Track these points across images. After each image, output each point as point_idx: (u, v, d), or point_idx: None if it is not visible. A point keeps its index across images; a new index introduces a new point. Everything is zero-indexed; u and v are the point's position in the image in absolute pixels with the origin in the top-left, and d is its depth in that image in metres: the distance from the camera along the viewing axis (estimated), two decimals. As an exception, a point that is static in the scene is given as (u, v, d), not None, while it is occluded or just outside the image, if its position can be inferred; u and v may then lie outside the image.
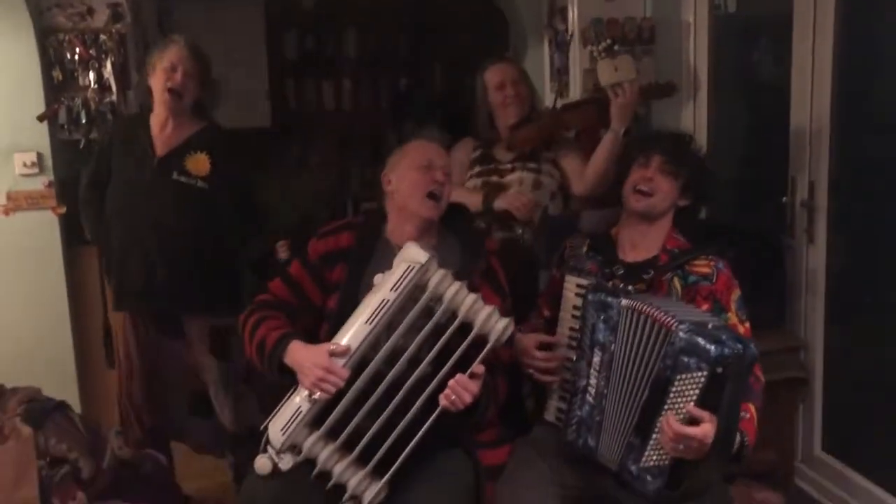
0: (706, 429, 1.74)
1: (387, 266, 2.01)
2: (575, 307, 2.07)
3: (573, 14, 3.44)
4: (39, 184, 3.15)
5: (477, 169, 2.82)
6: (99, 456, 2.03)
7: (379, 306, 1.92)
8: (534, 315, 2.24)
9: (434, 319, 1.93)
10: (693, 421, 1.75)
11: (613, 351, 1.91)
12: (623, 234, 2.16)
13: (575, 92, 3.48)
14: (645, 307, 1.86)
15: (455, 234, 2.16)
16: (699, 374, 1.75)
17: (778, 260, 2.85)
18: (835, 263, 2.73)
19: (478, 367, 1.91)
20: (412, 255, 1.97)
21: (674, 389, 1.78)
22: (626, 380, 1.88)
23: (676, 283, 2.05)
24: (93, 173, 2.79)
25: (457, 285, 1.95)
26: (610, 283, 2.05)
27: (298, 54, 5.63)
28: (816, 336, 2.79)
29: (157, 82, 2.66)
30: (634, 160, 2.16)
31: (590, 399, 1.96)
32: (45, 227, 3.16)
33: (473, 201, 2.67)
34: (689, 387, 1.76)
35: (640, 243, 2.13)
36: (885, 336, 2.64)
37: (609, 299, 1.94)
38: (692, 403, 1.76)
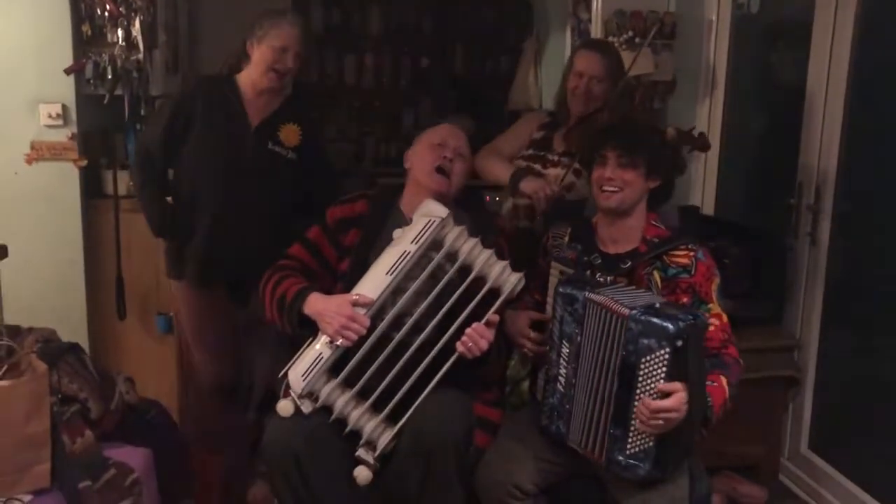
0: (680, 397, 1.81)
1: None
2: (553, 295, 2.11)
3: (597, 3, 3.47)
4: (63, 136, 3.20)
5: (530, 151, 2.79)
6: (107, 398, 2.09)
7: (400, 258, 2.03)
8: (526, 298, 2.28)
9: (450, 273, 2.04)
10: (665, 396, 1.82)
11: (580, 343, 1.97)
12: (602, 228, 2.17)
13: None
14: (602, 299, 1.91)
15: (467, 213, 2.24)
16: (662, 352, 1.82)
17: (779, 260, 2.90)
18: (835, 267, 2.78)
19: (493, 316, 2.02)
20: (432, 209, 2.09)
21: (641, 373, 1.84)
22: (592, 369, 1.94)
23: (656, 276, 2.08)
24: (154, 141, 2.67)
25: (472, 241, 2.06)
26: (587, 273, 2.10)
27: (323, 27, 5.65)
28: (811, 337, 2.84)
29: (263, 58, 2.58)
30: (592, 161, 2.16)
31: (560, 388, 2.02)
32: (65, 177, 3.21)
33: (503, 174, 2.72)
34: (656, 366, 1.83)
35: (619, 237, 2.15)
36: (878, 341, 2.69)
37: (574, 292, 1.98)
38: (661, 382, 1.82)
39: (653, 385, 1.84)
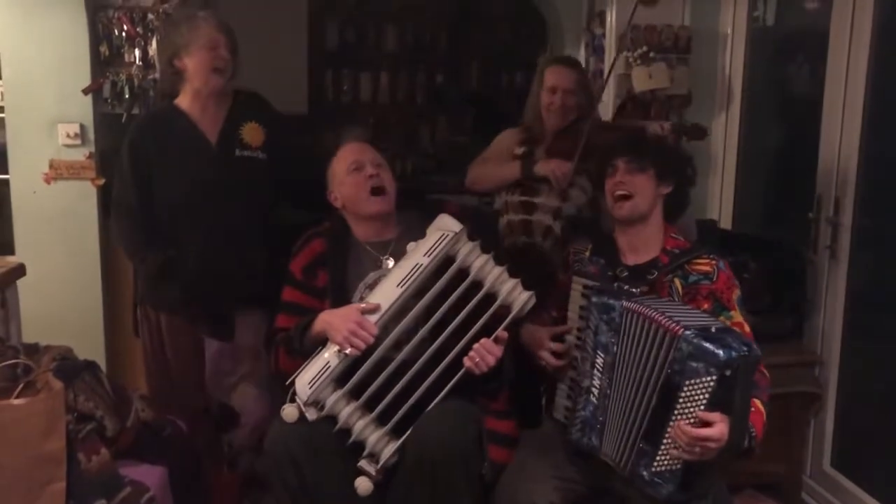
0: (721, 429, 1.76)
1: (363, 266, 2.17)
2: (582, 308, 2.10)
3: (611, 18, 3.47)
4: (81, 155, 3.23)
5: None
6: (123, 416, 2.09)
7: (412, 271, 2.02)
8: (543, 315, 2.25)
9: (461, 288, 2.03)
10: (705, 423, 1.78)
11: (616, 353, 1.94)
12: (621, 240, 2.18)
13: (609, 97, 3.50)
14: (647, 310, 1.88)
15: (411, 215, 2.24)
16: (708, 378, 1.77)
17: (800, 274, 2.87)
18: (856, 282, 2.74)
19: (502, 332, 2.01)
20: (446, 224, 2.09)
21: (683, 395, 1.80)
22: (629, 381, 1.91)
23: (677, 283, 2.07)
24: (137, 186, 2.54)
25: (484, 257, 2.06)
26: (615, 286, 2.08)
27: (339, 45, 5.70)
28: (833, 352, 2.80)
29: (199, 64, 2.49)
30: (605, 175, 2.18)
31: (593, 399, 1.99)
32: (83, 196, 3.24)
33: (511, 170, 2.75)
34: (699, 391, 1.78)
35: (639, 246, 2.14)
36: (901, 356, 2.65)
37: (611, 301, 1.96)
38: (702, 407, 1.78)
39: (692, 409, 1.79)
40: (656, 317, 1.86)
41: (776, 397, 2.55)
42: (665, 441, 1.83)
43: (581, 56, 3.91)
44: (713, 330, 1.82)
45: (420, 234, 2.13)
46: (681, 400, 1.80)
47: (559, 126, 2.75)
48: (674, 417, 1.81)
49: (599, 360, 1.98)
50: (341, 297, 2.15)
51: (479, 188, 2.93)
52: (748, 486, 2.79)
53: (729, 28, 3.37)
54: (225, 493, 2.58)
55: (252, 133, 2.57)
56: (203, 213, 2.53)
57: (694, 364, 1.78)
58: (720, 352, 1.75)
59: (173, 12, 3.16)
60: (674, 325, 1.82)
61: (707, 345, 1.76)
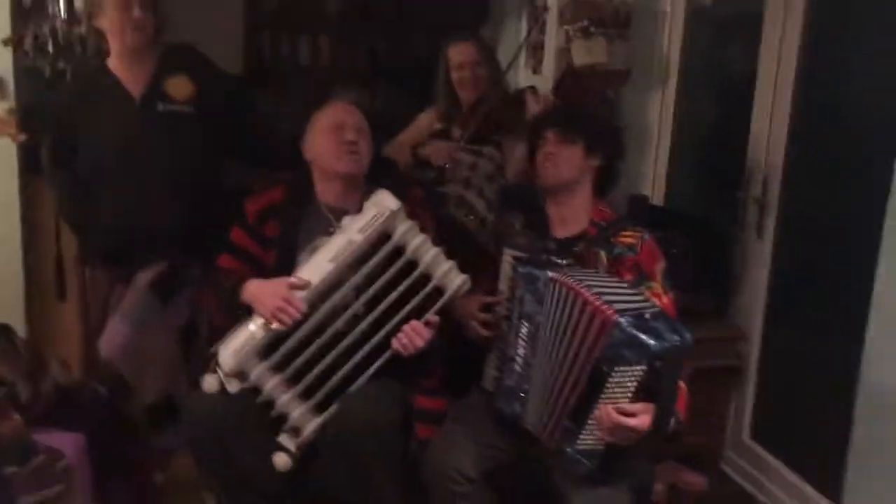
0: (643, 420, 1.80)
1: (317, 227, 2.11)
2: (510, 279, 2.10)
3: (553, -9, 3.45)
4: (0, 110, 3.09)
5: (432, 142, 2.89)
6: (38, 381, 2.03)
7: (344, 247, 1.99)
8: (475, 289, 2.25)
9: (395, 267, 2.01)
10: (630, 413, 1.80)
11: (539, 322, 1.95)
12: (551, 212, 2.20)
13: (549, 69, 3.50)
14: (575, 285, 1.89)
15: (382, 186, 2.19)
16: (638, 367, 1.79)
17: (726, 252, 2.93)
18: (780, 260, 2.81)
19: (433, 317, 2.00)
20: (383, 201, 2.03)
21: (612, 380, 1.81)
22: (553, 352, 1.92)
23: (602, 255, 2.10)
24: (54, 148, 2.59)
25: (421, 237, 2.03)
26: (544, 258, 2.09)
27: (277, 6, 5.55)
28: (755, 328, 2.88)
29: (114, 22, 2.47)
30: (536, 147, 2.21)
31: (517, 368, 2.01)
32: (3, 153, 3.09)
33: (405, 156, 2.85)
34: (627, 379, 1.81)
35: (568, 217, 2.17)
36: (819, 333, 2.73)
37: (536, 272, 1.97)
38: (629, 394, 1.81)
39: (619, 395, 1.82)
40: (586, 295, 1.85)
41: (700, 371, 2.62)
42: (590, 422, 1.86)
43: (523, 28, 3.90)
44: (647, 316, 1.82)
45: None
46: (608, 385, 1.82)
47: (473, 99, 2.84)
48: (601, 400, 1.83)
49: (524, 330, 1.99)
50: (287, 254, 2.12)
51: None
52: (669, 458, 2.85)
53: (668, 6, 3.38)
54: (145, 460, 2.52)
55: (177, 86, 2.51)
56: (124, 170, 2.49)
57: (625, 352, 1.78)
58: (652, 342, 1.75)
59: None
60: (607, 308, 1.81)
61: (640, 335, 1.76)
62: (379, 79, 5.71)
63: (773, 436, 2.87)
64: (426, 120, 2.99)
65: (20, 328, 3.04)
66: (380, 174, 2.27)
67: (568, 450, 1.90)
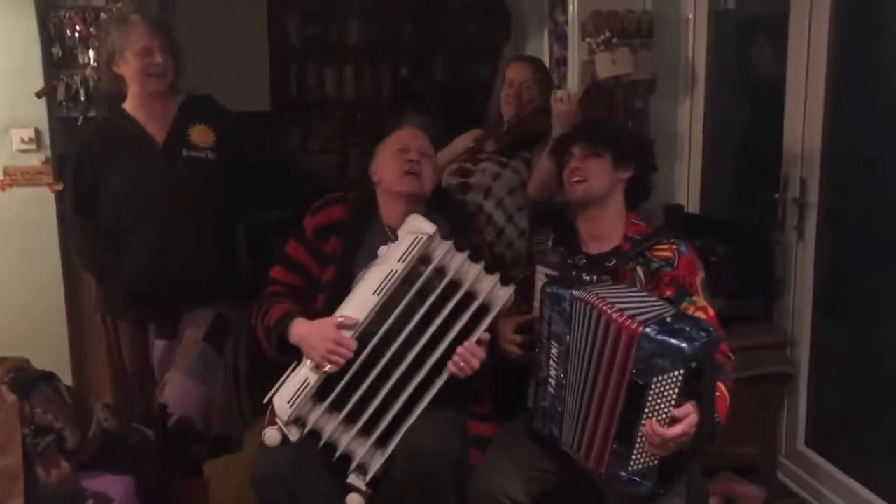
0: (691, 420, 1.75)
1: (380, 243, 2.08)
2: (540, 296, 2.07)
3: (573, 6, 3.45)
4: (36, 160, 3.15)
5: (464, 155, 2.89)
6: (84, 427, 2.04)
7: (386, 277, 1.97)
8: (514, 308, 2.20)
9: (439, 289, 1.98)
10: (675, 419, 1.76)
11: (569, 343, 1.92)
12: (582, 228, 2.17)
13: (573, 84, 3.49)
14: (597, 301, 1.85)
15: (443, 214, 2.20)
16: (676, 373, 1.74)
17: (767, 256, 2.87)
18: (824, 260, 2.75)
19: (484, 334, 1.98)
20: (418, 225, 2.03)
21: (651, 392, 1.77)
22: (584, 371, 1.89)
23: (640, 271, 2.05)
24: (76, 195, 2.56)
25: (461, 256, 2.01)
26: (573, 274, 2.06)
27: (301, 40, 5.63)
28: (803, 332, 2.81)
29: (134, 69, 2.44)
30: (563, 161, 2.19)
31: (551, 390, 1.98)
32: (41, 202, 3.16)
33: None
34: (668, 387, 1.76)
35: (600, 234, 2.13)
36: (871, 333, 2.66)
37: (561, 291, 1.94)
38: (673, 402, 1.76)
39: (663, 406, 1.77)
40: (608, 312, 1.82)
41: (749, 379, 2.58)
42: (639, 441, 1.81)
43: (544, 44, 3.89)
44: (669, 320, 1.79)
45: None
46: (650, 398, 1.77)
47: (513, 117, 2.84)
48: (645, 416, 1.79)
49: (554, 351, 1.96)
50: (346, 271, 2.12)
51: None
52: (724, 469, 2.79)
53: (691, 13, 3.36)
54: (193, 500, 2.53)
55: (200, 134, 2.53)
56: (149, 214, 2.49)
57: (659, 361, 1.74)
58: (685, 345, 1.71)
59: (110, 15, 3.07)
60: (629, 321, 1.78)
61: (671, 340, 1.73)
62: (405, 105, 5.76)
63: (829, 442, 2.79)
64: (462, 140, 2.99)
65: (65, 373, 3.09)
66: (444, 203, 2.29)
67: (622, 473, 1.84)
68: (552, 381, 1.97)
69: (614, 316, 1.81)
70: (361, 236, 2.18)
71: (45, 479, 1.89)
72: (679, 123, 3.43)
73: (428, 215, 2.10)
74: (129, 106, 2.54)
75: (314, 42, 5.66)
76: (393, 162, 2.20)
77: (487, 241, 2.29)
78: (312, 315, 2.06)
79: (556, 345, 1.96)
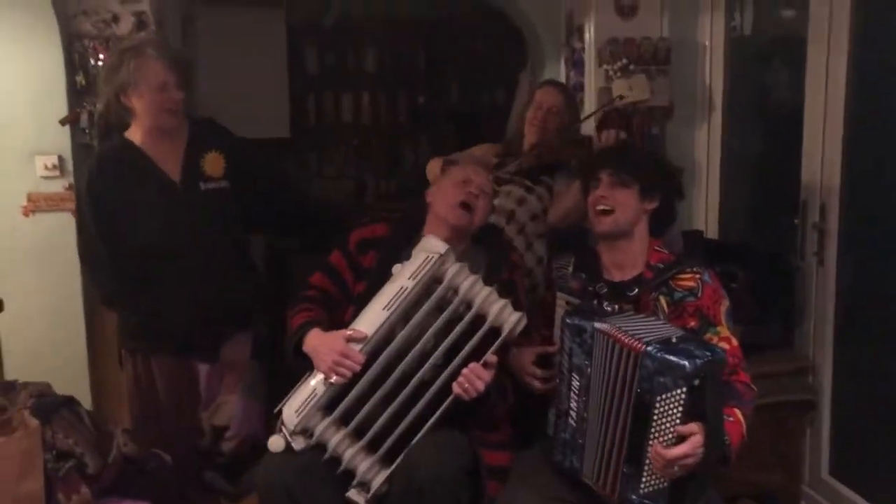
0: (696, 441, 1.74)
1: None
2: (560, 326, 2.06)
3: (590, 33, 3.47)
4: (59, 186, 3.20)
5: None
6: (105, 452, 2.05)
7: (397, 294, 2.00)
8: (533, 334, 2.22)
9: (449, 310, 2.00)
10: (682, 438, 1.76)
11: (590, 375, 1.91)
12: (604, 255, 2.15)
13: (590, 110, 3.50)
14: (615, 331, 1.85)
15: (484, 247, 2.24)
16: (678, 391, 1.74)
17: (787, 281, 2.85)
18: (844, 286, 2.73)
19: (491, 357, 1.98)
20: (431, 245, 2.06)
21: (657, 411, 1.77)
22: (605, 404, 1.88)
23: (663, 301, 2.04)
24: (97, 227, 2.45)
25: (472, 278, 2.02)
26: (594, 302, 2.05)
27: (319, 68, 5.70)
28: (825, 358, 2.78)
29: (148, 104, 2.37)
30: (589, 187, 2.17)
31: (572, 422, 1.96)
32: (63, 228, 3.19)
33: (433, 174, 2.76)
34: (672, 406, 1.76)
35: (623, 262, 2.11)
36: (894, 360, 2.63)
37: (583, 323, 1.93)
38: (678, 421, 1.76)
39: (668, 425, 1.77)
40: (619, 335, 1.83)
41: (770, 406, 2.55)
42: (647, 462, 1.80)
43: (561, 71, 3.91)
44: (674, 340, 1.79)
45: (475, 266, 2.11)
46: (655, 417, 1.77)
47: (535, 140, 2.83)
48: (651, 436, 1.78)
49: (575, 383, 1.95)
50: (378, 285, 2.12)
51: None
52: (745, 497, 2.75)
53: (707, 39, 3.37)
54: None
55: (213, 163, 2.48)
56: (175, 251, 2.45)
57: (661, 379, 1.75)
58: (685, 362, 1.72)
59: (123, 42, 3.01)
60: (634, 341, 1.79)
61: (671, 357, 1.74)
62: (420, 131, 5.81)
63: (854, 471, 2.74)
64: (482, 151, 2.97)
65: (84, 398, 3.10)
66: (486, 237, 2.31)
67: (633, 497, 1.83)
68: (573, 414, 1.96)
69: (622, 338, 1.82)
70: (399, 254, 2.19)
71: (65, 505, 1.90)
72: (696, 149, 3.43)
73: (472, 248, 2.13)
74: (136, 138, 2.45)
75: (332, 70, 5.73)
76: (451, 191, 2.23)
77: (522, 281, 2.28)
78: (339, 326, 2.08)
79: (577, 377, 1.95)
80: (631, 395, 1.80)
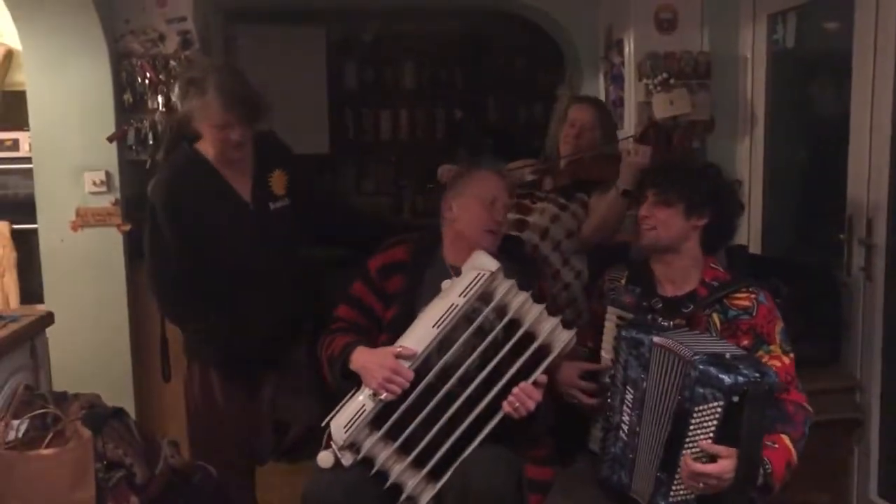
0: (724, 465, 1.74)
1: (442, 279, 2.10)
2: (615, 339, 2.06)
3: (629, 47, 3.47)
4: (107, 202, 3.27)
5: (519, 190, 2.81)
6: (152, 463, 2.07)
7: (447, 311, 1.99)
8: (577, 346, 2.18)
9: (499, 327, 2.00)
10: (713, 456, 1.75)
11: (645, 389, 1.90)
12: (657, 269, 2.14)
13: (629, 125, 3.49)
14: (671, 343, 1.85)
15: (510, 259, 2.19)
16: (715, 404, 1.74)
17: (834, 297, 2.81)
18: (892, 302, 2.68)
19: (541, 376, 1.97)
20: (482, 262, 2.05)
21: (693, 422, 1.77)
22: (656, 417, 1.87)
23: (715, 318, 2.02)
24: (171, 264, 2.40)
25: (523, 295, 2.02)
26: (649, 317, 2.03)
27: (357, 84, 5.76)
28: (873, 376, 2.73)
29: (209, 138, 2.35)
30: (639, 203, 2.17)
31: (623, 436, 1.95)
32: (110, 242, 3.27)
33: None
34: (708, 419, 1.76)
35: (676, 277, 2.10)
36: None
37: (640, 336, 1.92)
38: (710, 436, 1.75)
39: (701, 438, 1.76)
40: (673, 346, 1.84)
41: (816, 425, 2.48)
42: (679, 470, 1.80)
43: (600, 85, 3.91)
44: (727, 356, 1.79)
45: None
46: (691, 427, 1.78)
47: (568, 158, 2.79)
48: (686, 446, 1.78)
49: (629, 396, 1.94)
50: (408, 309, 2.12)
51: None
52: (792, 518, 2.70)
53: (748, 52, 3.35)
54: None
55: (278, 182, 2.48)
56: (247, 270, 2.43)
57: (700, 390, 1.75)
58: (725, 377, 1.72)
59: (185, 69, 3.08)
60: (685, 350, 1.80)
61: (712, 369, 1.74)
62: (458, 146, 5.82)
63: (904, 492, 2.69)
64: (517, 165, 2.91)
65: (129, 409, 3.15)
66: (511, 246, 2.28)
67: (662, 503, 1.83)
68: (625, 428, 1.94)
69: (677, 349, 1.82)
70: (423, 274, 2.19)
71: (115, 514, 1.93)
72: (738, 163, 3.40)
73: (493, 256, 2.11)
74: (205, 148, 2.42)
75: (369, 86, 5.78)
76: (480, 212, 2.18)
77: (550, 289, 2.26)
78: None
79: (631, 390, 1.93)
80: (673, 401, 1.81)
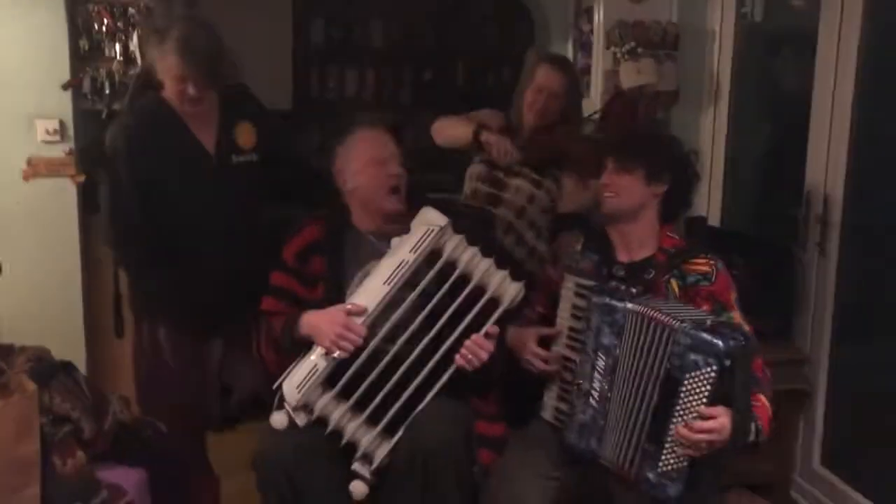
0: (723, 422, 1.76)
1: (362, 254, 2.11)
2: (575, 307, 2.06)
3: (599, 15, 3.45)
4: (60, 151, 3.17)
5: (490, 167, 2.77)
6: (101, 418, 2.04)
7: (397, 267, 1.98)
8: (527, 310, 2.21)
9: (449, 282, 2.00)
10: (706, 418, 1.77)
11: (618, 355, 1.91)
12: (614, 236, 2.14)
13: (596, 94, 3.48)
14: (651, 311, 1.87)
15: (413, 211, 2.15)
16: (708, 369, 1.76)
17: (788, 272, 2.85)
18: (845, 278, 2.73)
19: (492, 327, 1.99)
20: (430, 218, 2.04)
21: (684, 389, 1.79)
22: (632, 384, 1.88)
23: (674, 284, 2.04)
24: (136, 189, 2.35)
25: (472, 250, 2.03)
26: (612, 284, 2.04)
27: (324, 41, 5.65)
28: (822, 350, 2.79)
29: (169, 89, 2.31)
30: (600, 171, 2.15)
31: (593, 403, 1.96)
32: (62, 194, 3.18)
33: (465, 131, 2.72)
34: (700, 384, 1.77)
35: (633, 244, 2.11)
36: (891, 353, 2.64)
37: (614, 303, 1.93)
38: (704, 400, 1.77)
39: (694, 404, 1.78)
40: (655, 314, 1.85)
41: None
42: (669, 439, 1.81)
43: (569, 53, 3.89)
44: (709, 323, 1.81)
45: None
46: (682, 395, 1.79)
47: (534, 124, 2.73)
48: (676, 414, 1.80)
49: (600, 363, 1.94)
50: (336, 285, 2.12)
51: (435, 138, 2.91)
52: (737, 485, 2.76)
53: (717, 24, 3.35)
54: (206, 496, 2.53)
55: (245, 134, 2.42)
56: (202, 223, 2.40)
57: (693, 356, 1.77)
58: (718, 341, 1.75)
59: (156, 18, 3.02)
60: (670, 319, 1.81)
61: (705, 335, 1.76)
62: (423, 109, 5.76)
63: (846, 462, 2.76)
64: (485, 114, 2.84)
65: (80, 364, 3.10)
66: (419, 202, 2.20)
67: (650, 475, 1.84)
68: (595, 394, 1.96)
69: (659, 317, 1.84)
70: (342, 249, 2.18)
71: (61, 469, 1.89)
72: (701, 135, 3.42)
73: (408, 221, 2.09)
74: (171, 100, 2.36)
75: (337, 43, 5.68)
76: (372, 174, 2.15)
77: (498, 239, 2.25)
78: None
79: (602, 357, 1.94)
80: (660, 371, 1.82)
